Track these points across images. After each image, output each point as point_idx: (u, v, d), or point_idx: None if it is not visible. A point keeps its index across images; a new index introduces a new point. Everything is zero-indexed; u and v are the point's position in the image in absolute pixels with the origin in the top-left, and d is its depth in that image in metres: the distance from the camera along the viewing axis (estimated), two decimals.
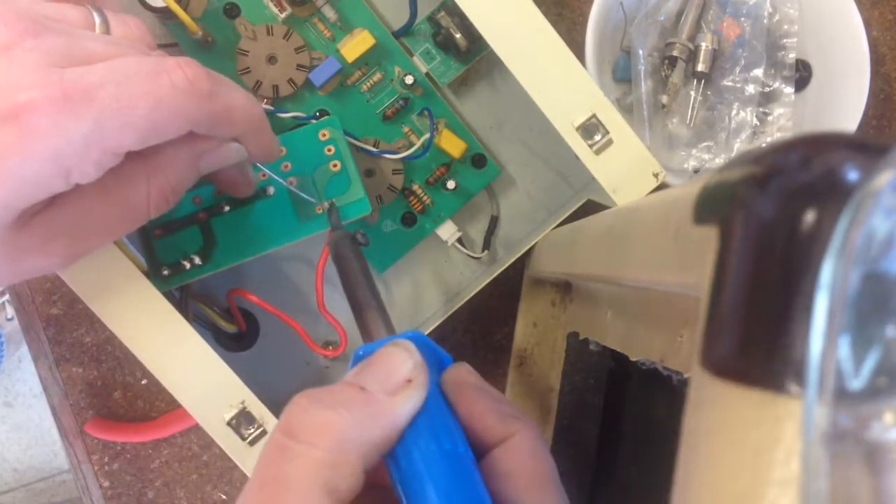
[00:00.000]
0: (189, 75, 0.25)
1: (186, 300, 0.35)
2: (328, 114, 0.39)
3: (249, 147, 0.30)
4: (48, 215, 0.26)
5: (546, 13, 0.32)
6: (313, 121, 0.38)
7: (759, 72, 0.43)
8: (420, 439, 0.21)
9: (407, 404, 0.21)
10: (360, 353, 0.24)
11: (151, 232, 0.34)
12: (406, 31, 0.39)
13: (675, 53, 0.42)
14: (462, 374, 0.24)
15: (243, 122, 0.28)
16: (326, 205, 0.35)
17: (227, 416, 0.31)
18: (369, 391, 0.21)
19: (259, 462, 0.21)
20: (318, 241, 0.35)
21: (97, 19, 0.28)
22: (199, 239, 0.35)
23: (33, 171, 0.23)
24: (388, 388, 0.22)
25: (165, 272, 0.34)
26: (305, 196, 0.35)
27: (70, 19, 0.27)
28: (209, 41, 0.38)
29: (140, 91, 0.24)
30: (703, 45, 0.42)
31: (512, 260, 0.38)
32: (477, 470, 0.21)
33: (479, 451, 0.22)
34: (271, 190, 0.35)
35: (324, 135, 0.36)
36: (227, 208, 0.35)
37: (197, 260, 0.34)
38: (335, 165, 0.36)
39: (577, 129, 0.32)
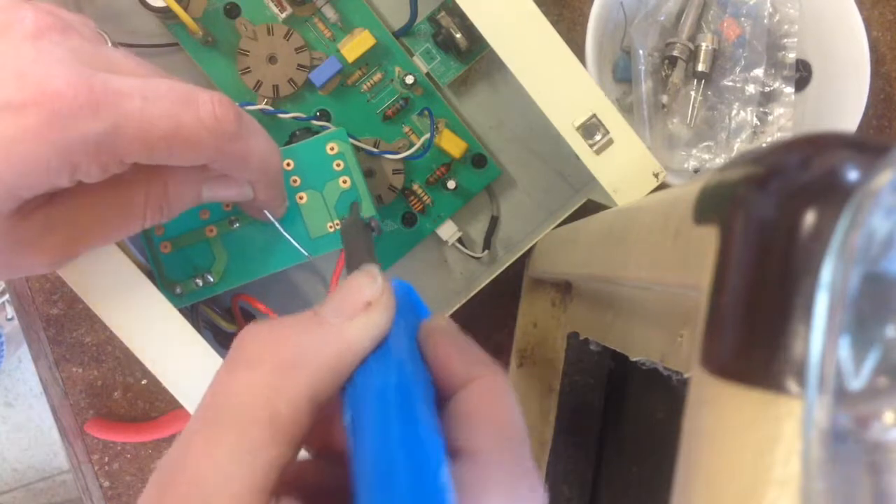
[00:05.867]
0: (217, 113, 0.25)
1: (197, 311, 0.35)
2: (329, 114, 0.39)
3: (257, 193, 0.30)
4: (46, 210, 0.26)
5: (546, 13, 0.32)
6: (314, 121, 0.38)
7: (759, 72, 0.43)
8: (379, 368, 0.20)
9: (361, 327, 0.20)
10: None
11: (159, 246, 0.34)
12: (406, 31, 0.39)
13: (675, 53, 0.42)
14: (435, 320, 0.23)
15: (257, 171, 0.29)
16: (338, 222, 0.35)
17: None
18: (322, 314, 0.20)
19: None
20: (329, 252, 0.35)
21: (108, 42, 0.29)
22: (209, 255, 0.34)
23: (43, 160, 0.23)
24: (345, 312, 0.20)
25: (178, 290, 0.34)
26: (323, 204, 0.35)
27: (89, 31, 0.27)
28: (210, 41, 0.38)
29: (165, 112, 0.24)
30: (704, 45, 0.42)
31: (512, 260, 0.38)
32: (432, 408, 0.20)
33: (445, 396, 0.21)
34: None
35: (332, 148, 0.35)
36: (237, 224, 0.34)
37: (209, 277, 0.34)
38: (345, 182, 0.35)
39: (578, 128, 0.32)
